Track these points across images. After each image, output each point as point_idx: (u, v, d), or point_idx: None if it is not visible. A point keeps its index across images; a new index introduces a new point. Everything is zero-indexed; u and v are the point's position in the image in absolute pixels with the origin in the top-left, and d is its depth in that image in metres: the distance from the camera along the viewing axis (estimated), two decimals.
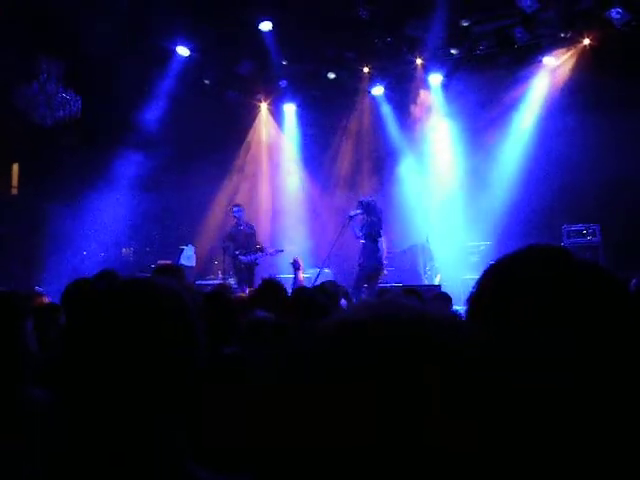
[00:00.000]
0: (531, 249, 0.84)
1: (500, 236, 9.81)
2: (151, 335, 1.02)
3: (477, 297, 0.83)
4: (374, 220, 8.55)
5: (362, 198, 8.83)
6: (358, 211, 8.62)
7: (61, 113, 9.65)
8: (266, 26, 10.48)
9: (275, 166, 13.04)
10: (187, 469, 1.02)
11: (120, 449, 0.99)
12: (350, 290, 8.42)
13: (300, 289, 4.63)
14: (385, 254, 8.88)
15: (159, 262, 10.09)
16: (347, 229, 8.79)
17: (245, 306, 4.05)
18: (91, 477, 0.97)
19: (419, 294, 4.12)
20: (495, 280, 0.83)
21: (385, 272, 9.06)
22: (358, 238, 8.65)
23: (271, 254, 9.55)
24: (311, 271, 10.90)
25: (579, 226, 9.63)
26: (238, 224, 9.52)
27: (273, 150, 13.20)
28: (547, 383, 0.71)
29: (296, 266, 7.04)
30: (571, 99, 10.41)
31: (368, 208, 8.58)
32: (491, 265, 0.85)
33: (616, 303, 0.77)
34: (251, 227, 9.68)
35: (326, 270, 10.26)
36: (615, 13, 9.44)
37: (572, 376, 0.71)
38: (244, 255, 9.42)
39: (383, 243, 8.72)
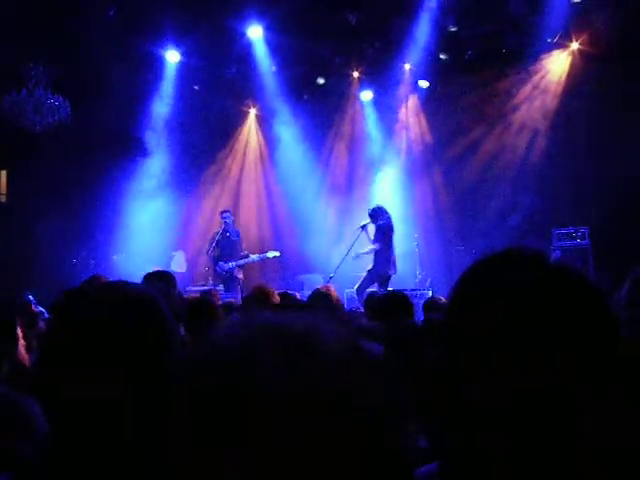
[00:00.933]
0: (509, 252, 0.85)
1: (490, 240, 9.85)
2: (122, 341, 1.03)
3: (456, 298, 0.84)
4: (381, 224, 8.71)
5: (369, 209, 9.01)
6: (367, 221, 8.84)
7: (50, 119, 9.61)
8: (255, 32, 10.49)
9: (264, 172, 13.03)
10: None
11: (98, 453, 0.99)
12: (355, 292, 8.53)
13: (286, 295, 4.62)
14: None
15: (154, 268, 10.08)
16: (359, 239, 8.88)
17: (232, 313, 4.04)
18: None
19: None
20: (473, 282, 0.84)
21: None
22: (373, 244, 8.74)
23: (259, 259, 9.51)
24: (301, 277, 10.91)
25: (568, 229, 9.69)
26: (225, 230, 9.51)
27: (262, 156, 13.20)
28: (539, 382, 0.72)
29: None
30: (561, 103, 10.51)
31: (376, 214, 8.77)
32: (470, 267, 0.86)
33: (592, 306, 0.78)
34: (237, 234, 9.65)
35: (318, 276, 10.27)
36: (602, 18, 9.55)
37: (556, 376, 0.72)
38: (225, 262, 9.42)
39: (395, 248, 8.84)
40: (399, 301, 4.06)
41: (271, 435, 0.48)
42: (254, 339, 0.54)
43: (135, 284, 1.19)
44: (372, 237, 8.78)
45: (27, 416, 1.65)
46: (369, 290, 8.31)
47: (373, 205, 9.13)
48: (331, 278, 8.68)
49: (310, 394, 0.50)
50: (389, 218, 8.84)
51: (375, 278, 8.63)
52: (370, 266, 8.65)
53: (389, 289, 8.50)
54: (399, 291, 5.08)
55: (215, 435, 0.49)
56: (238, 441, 0.48)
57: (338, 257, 9.15)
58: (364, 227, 8.81)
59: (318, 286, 5.80)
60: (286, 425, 0.48)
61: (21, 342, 2.14)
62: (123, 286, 1.14)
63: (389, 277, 8.71)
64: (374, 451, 0.51)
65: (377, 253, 8.63)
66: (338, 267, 8.89)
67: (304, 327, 0.55)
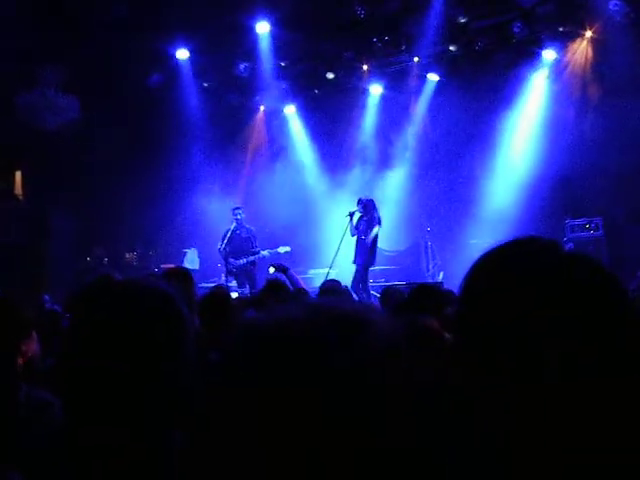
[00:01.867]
0: (520, 241, 0.85)
1: (503, 232, 9.78)
2: (138, 338, 1.04)
3: (470, 288, 0.84)
4: (377, 217, 8.82)
5: (361, 198, 9.06)
6: (356, 209, 8.90)
7: (62, 118, 9.69)
8: (263, 27, 10.48)
9: (275, 167, 13.03)
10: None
11: (113, 446, 1.01)
12: (352, 289, 8.51)
13: (300, 290, 4.64)
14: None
15: (162, 266, 10.15)
16: (347, 229, 8.99)
17: (245, 307, 4.07)
18: (87, 473, 0.99)
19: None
20: (488, 271, 0.83)
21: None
22: (353, 235, 8.90)
23: (265, 256, 9.52)
24: (312, 271, 10.90)
25: (582, 220, 9.60)
26: (236, 227, 9.54)
27: (273, 151, 13.20)
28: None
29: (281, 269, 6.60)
30: (572, 93, 10.39)
31: (366, 207, 8.83)
32: (482, 257, 0.85)
33: (610, 293, 0.77)
34: (248, 230, 9.66)
35: (330, 270, 10.27)
36: (613, 5, 9.44)
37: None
38: (236, 259, 9.46)
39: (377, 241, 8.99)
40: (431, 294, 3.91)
41: (342, 405, 0.53)
42: (317, 321, 0.57)
43: (151, 280, 1.20)
44: (355, 225, 8.88)
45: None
46: (376, 284, 8.35)
47: (365, 197, 9.18)
48: (328, 274, 8.72)
49: (368, 368, 0.55)
50: (377, 212, 8.96)
51: (363, 271, 8.72)
52: (354, 259, 8.80)
53: (400, 283, 8.51)
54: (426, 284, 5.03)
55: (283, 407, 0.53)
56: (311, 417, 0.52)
57: (349, 255, 9.11)
58: (352, 215, 8.89)
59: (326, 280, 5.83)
60: (349, 395, 0.53)
61: (35, 340, 2.16)
62: (141, 283, 1.16)
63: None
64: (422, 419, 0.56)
65: (362, 245, 8.74)
66: (333, 260, 8.93)
67: (356, 311, 0.60)
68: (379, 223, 8.83)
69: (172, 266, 7.26)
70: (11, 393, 1.75)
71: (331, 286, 5.28)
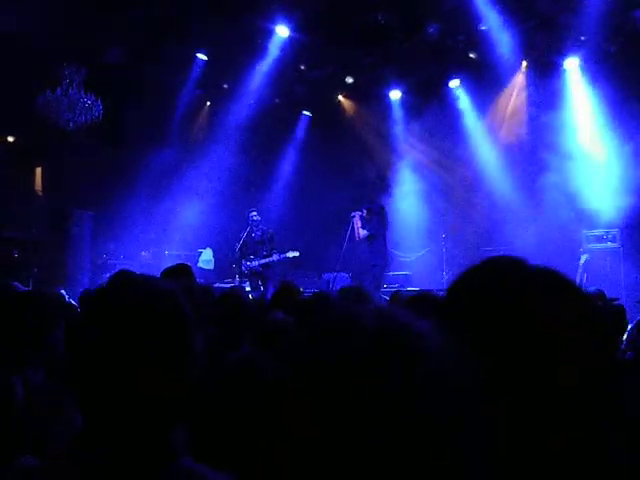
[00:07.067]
0: (488, 261, 0.89)
1: (518, 241, 9.73)
2: (142, 334, 1.06)
3: (450, 304, 0.89)
4: (378, 220, 8.99)
5: (371, 203, 9.38)
6: (360, 212, 9.15)
7: (83, 118, 9.82)
8: (283, 31, 10.53)
9: (293, 171, 13.08)
10: (183, 464, 1.05)
11: (118, 443, 1.03)
12: (371, 291, 8.54)
13: (320, 293, 4.65)
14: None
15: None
16: (350, 230, 9.21)
17: (260, 310, 4.08)
18: (89, 470, 1.02)
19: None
20: (461, 289, 0.88)
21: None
22: (359, 236, 9.06)
23: (279, 259, 9.59)
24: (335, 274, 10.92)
25: (598, 231, 9.51)
26: (251, 230, 9.64)
27: (287, 155, 13.25)
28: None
29: None
30: (593, 102, 10.30)
31: (372, 210, 9.06)
32: (462, 274, 0.89)
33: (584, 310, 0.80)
34: (264, 233, 9.71)
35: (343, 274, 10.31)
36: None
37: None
38: (249, 261, 9.56)
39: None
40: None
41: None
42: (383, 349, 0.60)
43: (155, 279, 1.22)
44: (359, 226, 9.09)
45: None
46: (389, 289, 8.35)
47: (373, 201, 9.55)
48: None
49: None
50: (386, 214, 9.24)
51: (381, 272, 8.93)
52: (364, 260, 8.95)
53: (413, 289, 8.50)
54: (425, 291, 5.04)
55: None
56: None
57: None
58: (354, 216, 9.18)
59: (345, 285, 5.85)
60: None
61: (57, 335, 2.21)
62: (144, 281, 1.17)
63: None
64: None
65: (375, 246, 8.92)
66: (339, 261, 9.06)
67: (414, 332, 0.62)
68: (378, 229, 8.93)
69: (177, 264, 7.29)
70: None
71: (354, 293, 5.27)
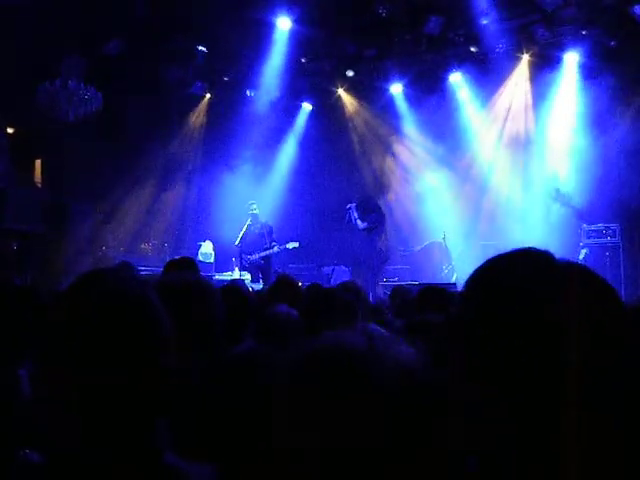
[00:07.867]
0: (515, 255, 0.85)
1: (518, 235, 9.73)
2: (109, 329, 1.03)
3: (465, 303, 0.84)
4: (376, 216, 9.20)
5: (364, 196, 9.73)
6: (353, 204, 9.37)
7: (83, 110, 9.79)
8: (284, 24, 10.48)
9: (292, 163, 13.05)
10: (164, 461, 1.04)
11: (93, 442, 1.01)
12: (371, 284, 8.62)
13: (315, 286, 4.63)
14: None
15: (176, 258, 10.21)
16: (346, 222, 9.42)
17: (261, 302, 4.07)
18: (72, 470, 1.00)
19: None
20: (481, 287, 0.84)
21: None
22: (357, 228, 9.28)
23: (279, 251, 9.66)
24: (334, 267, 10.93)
25: (598, 226, 9.51)
26: (251, 223, 9.69)
27: (288, 148, 13.21)
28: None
29: None
30: (592, 97, 10.27)
31: (367, 204, 9.27)
32: (478, 270, 0.86)
33: (605, 305, 0.78)
34: (263, 226, 9.76)
35: (342, 267, 10.32)
36: (639, 9, 9.31)
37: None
38: (248, 254, 9.60)
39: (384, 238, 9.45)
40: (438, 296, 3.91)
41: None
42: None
43: (119, 276, 1.16)
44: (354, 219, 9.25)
45: None
46: (389, 283, 8.38)
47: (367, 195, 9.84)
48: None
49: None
50: (379, 209, 9.49)
51: (378, 263, 9.11)
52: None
53: (413, 283, 8.51)
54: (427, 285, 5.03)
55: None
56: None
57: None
58: (349, 209, 9.39)
59: (344, 278, 5.84)
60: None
61: None
62: (121, 285, 1.12)
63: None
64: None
65: (370, 240, 9.14)
66: (338, 255, 9.21)
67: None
68: (376, 223, 9.10)
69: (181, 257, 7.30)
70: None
71: (350, 286, 5.26)
